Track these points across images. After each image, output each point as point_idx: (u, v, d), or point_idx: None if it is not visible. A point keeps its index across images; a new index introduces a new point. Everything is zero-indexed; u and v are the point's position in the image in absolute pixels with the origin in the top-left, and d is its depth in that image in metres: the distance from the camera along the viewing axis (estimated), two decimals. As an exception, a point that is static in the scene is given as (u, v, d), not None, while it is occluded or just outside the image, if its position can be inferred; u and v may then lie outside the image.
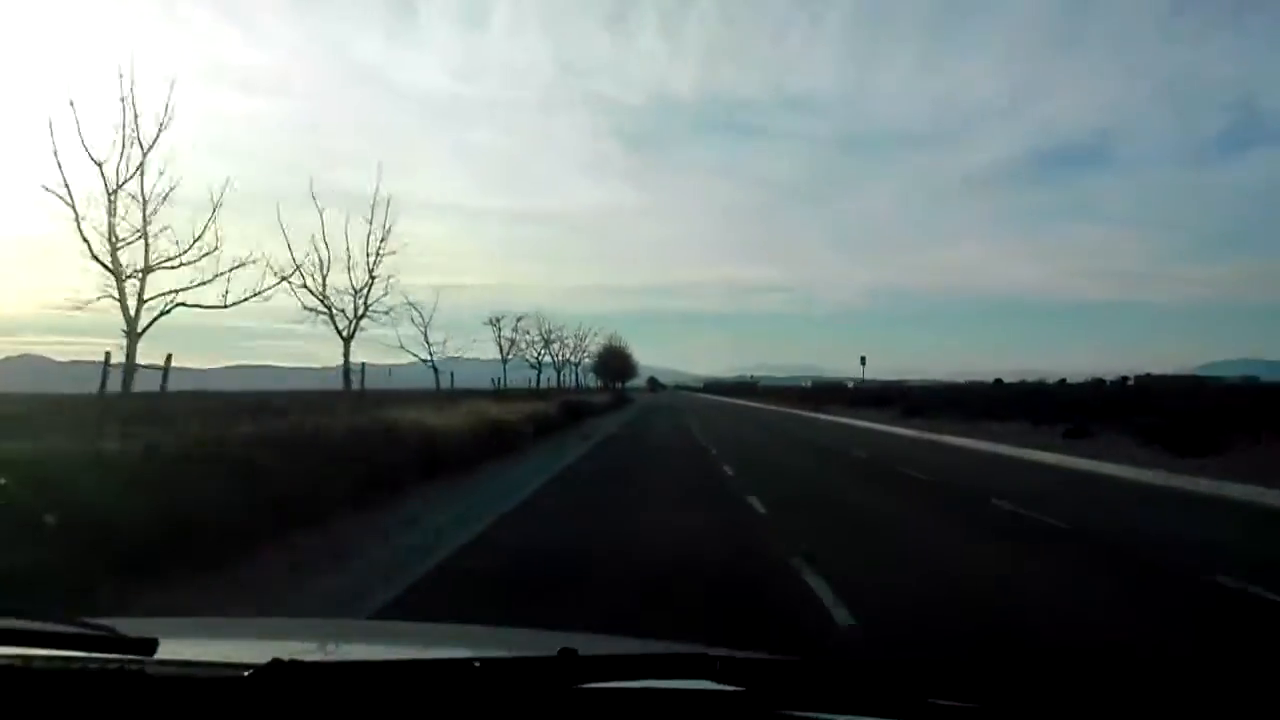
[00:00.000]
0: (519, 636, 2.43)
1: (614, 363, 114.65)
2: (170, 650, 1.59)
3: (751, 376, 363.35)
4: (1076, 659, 5.63)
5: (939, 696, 1.34)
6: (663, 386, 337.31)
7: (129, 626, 1.69)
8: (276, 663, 1.31)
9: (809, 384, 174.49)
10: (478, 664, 1.38)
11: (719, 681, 1.31)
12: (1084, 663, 2.85)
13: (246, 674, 1.31)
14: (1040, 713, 1.36)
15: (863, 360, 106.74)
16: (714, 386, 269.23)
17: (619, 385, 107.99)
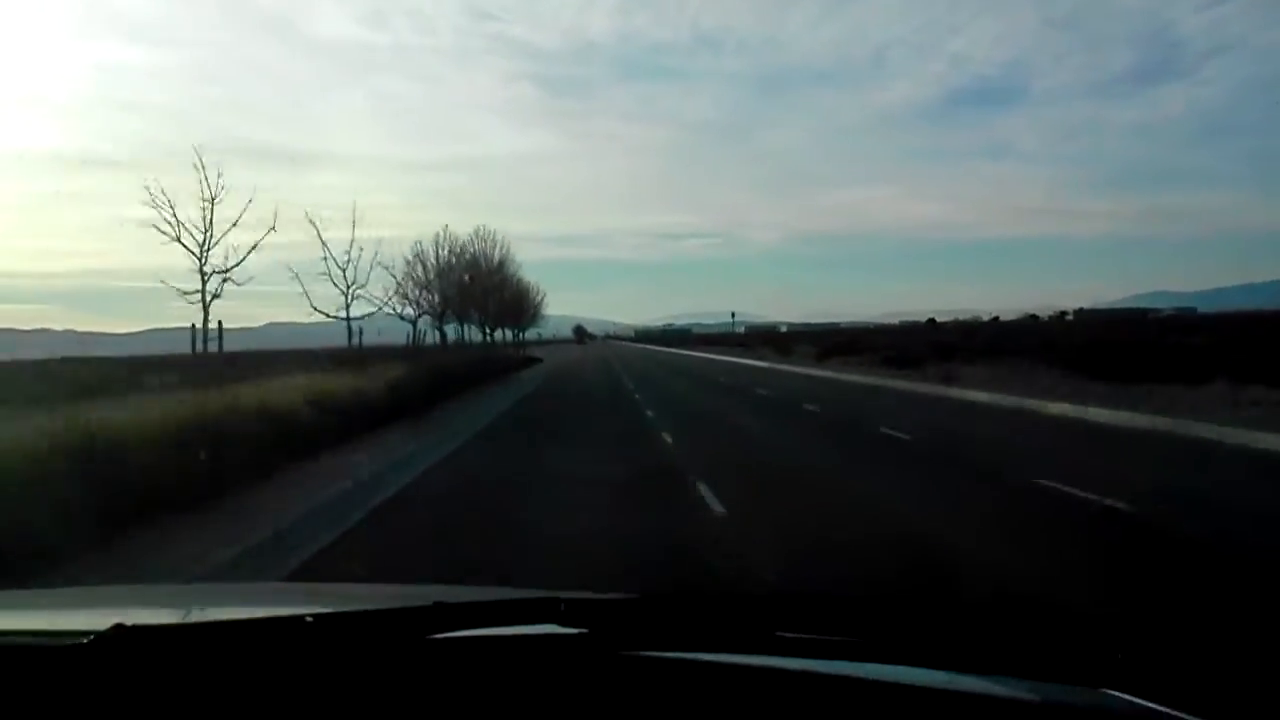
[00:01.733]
0: (385, 591, 2.33)
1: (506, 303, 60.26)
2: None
3: (683, 325, 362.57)
4: (929, 593, 5.86)
5: (785, 629, 1.35)
6: (592, 337, 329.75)
7: None
8: (120, 628, 1.27)
9: (742, 330, 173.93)
10: (311, 619, 1.36)
11: (564, 625, 1.31)
12: (934, 596, 2.64)
13: (87, 640, 1.26)
14: (885, 643, 1.34)
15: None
16: (646, 336, 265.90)
17: (517, 335, 77.50)
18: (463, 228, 75.57)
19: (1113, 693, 1.19)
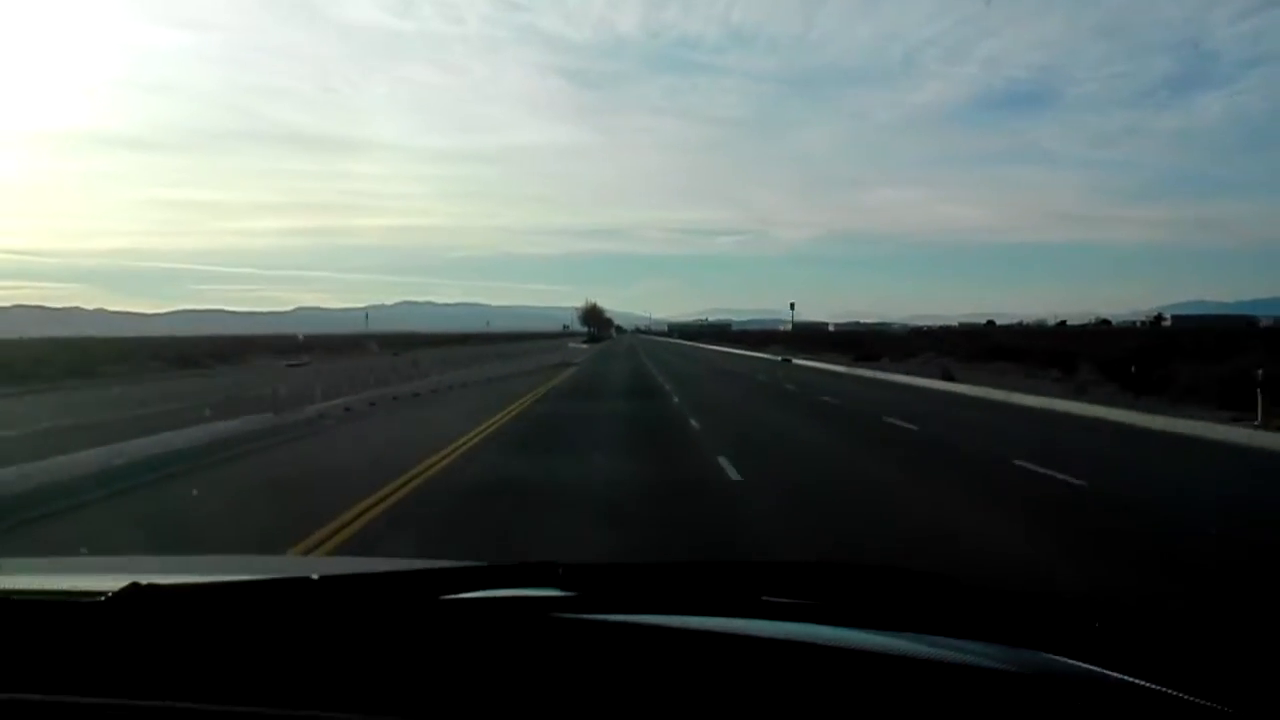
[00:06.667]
0: (400, 562, 2.23)
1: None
2: (12, 581, 1.61)
3: (718, 320, 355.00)
4: (919, 562, 5.72)
5: (772, 594, 1.40)
6: (620, 330, 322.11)
7: None
8: (135, 586, 1.31)
9: (788, 327, 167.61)
10: (317, 578, 1.41)
11: (562, 588, 1.37)
12: (924, 566, 1.80)
13: (103, 598, 1.30)
14: (872, 611, 1.38)
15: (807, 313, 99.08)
16: (682, 331, 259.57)
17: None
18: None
19: (1058, 657, 1.21)
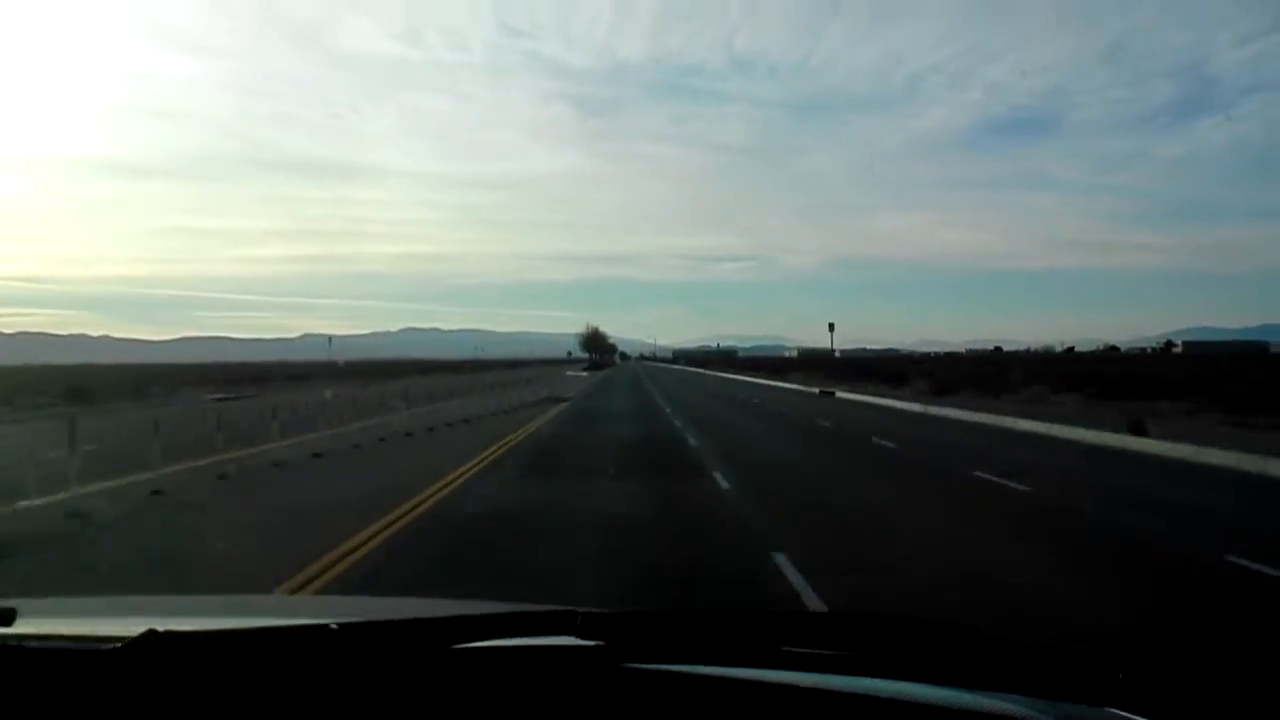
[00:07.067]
0: (410, 605, 2.31)
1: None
2: (32, 625, 1.58)
3: (724, 346, 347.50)
4: (938, 611, 5.44)
5: (792, 644, 1.37)
6: (625, 357, 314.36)
7: None
8: (151, 633, 1.30)
9: (794, 353, 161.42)
10: (336, 627, 1.39)
11: (580, 637, 1.34)
12: (942, 614, 2.38)
13: (119, 645, 1.30)
14: (894, 661, 1.34)
15: (831, 326, 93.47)
16: (686, 357, 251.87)
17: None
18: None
19: (1118, 712, 1.20)
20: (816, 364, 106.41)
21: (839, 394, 47.88)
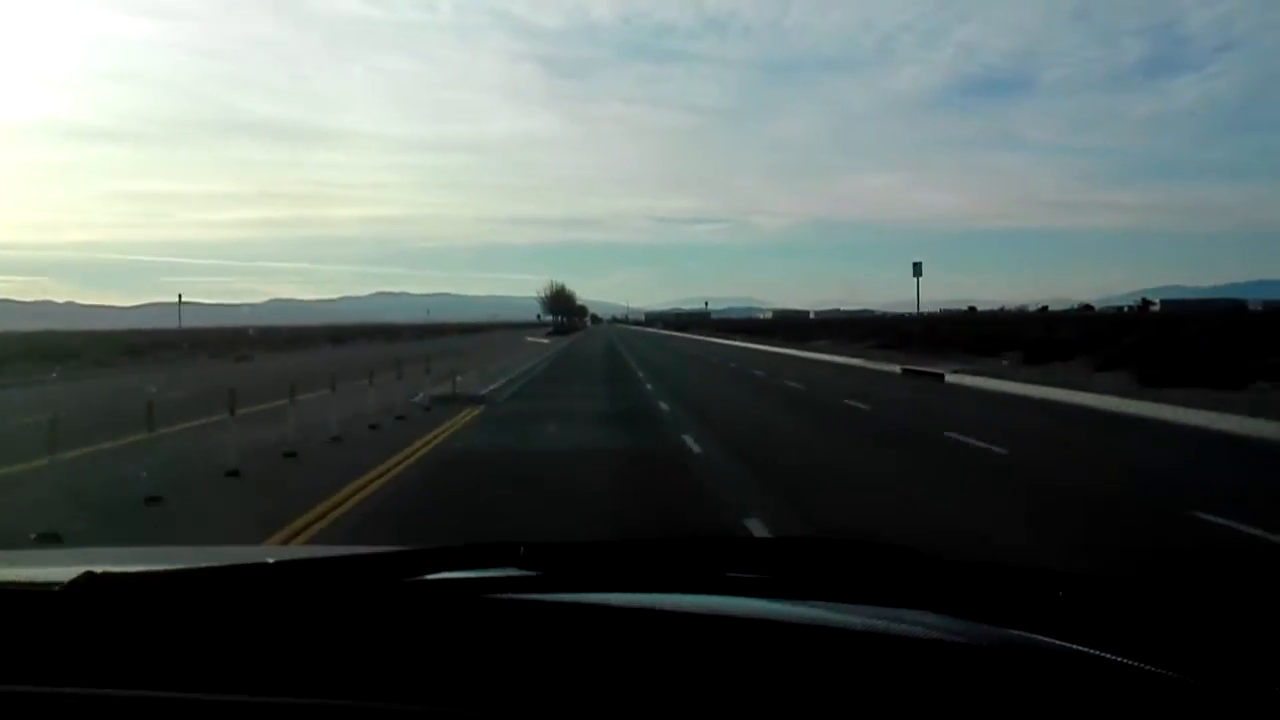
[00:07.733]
0: (355, 549, 2.21)
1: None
2: None
3: (693, 309, 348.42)
4: (880, 537, 4.11)
5: (734, 570, 1.41)
6: (596, 320, 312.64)
7: None
8: (90, 574, 1.30)
9: (768, 315, 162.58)
10: (273, 562, 1.42)
11: (522, 568, 1.36)
12: (883, 539, 1.60)
13: (59, 588, 1.30)
14: (832, 583, 1.38)
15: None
16: (661, 320, 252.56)
17: None
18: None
19: (1017, 631, 1.20)
20: (785, 325, 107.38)
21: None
